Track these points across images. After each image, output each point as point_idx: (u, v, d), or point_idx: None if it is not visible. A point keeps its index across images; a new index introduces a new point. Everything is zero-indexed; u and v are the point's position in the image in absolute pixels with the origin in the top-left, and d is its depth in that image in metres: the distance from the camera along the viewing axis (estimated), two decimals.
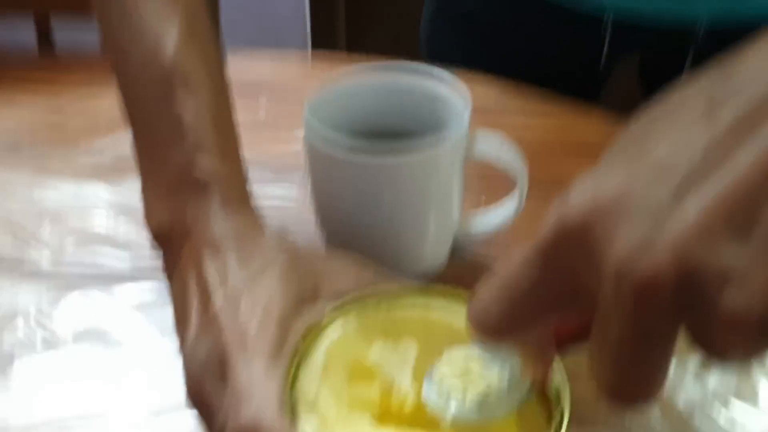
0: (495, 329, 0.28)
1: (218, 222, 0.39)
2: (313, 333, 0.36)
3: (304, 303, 0.37)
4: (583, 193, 0.25)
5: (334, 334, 0.36)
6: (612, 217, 0.24)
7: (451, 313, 0.37)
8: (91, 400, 0.42)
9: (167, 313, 0.46)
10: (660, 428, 0.40)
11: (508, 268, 0.27)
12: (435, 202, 0.45)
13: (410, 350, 0.36)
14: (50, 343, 0.45)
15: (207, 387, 0.35)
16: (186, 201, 0.40)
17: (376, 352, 0.35)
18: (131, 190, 0.56)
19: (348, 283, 0.38)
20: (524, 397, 0.32)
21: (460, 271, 0.50)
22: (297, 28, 1.65)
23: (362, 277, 0.39)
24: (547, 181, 0.55)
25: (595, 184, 0.25)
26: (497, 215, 0.49)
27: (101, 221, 0.54)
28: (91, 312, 0.47)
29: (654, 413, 0.41)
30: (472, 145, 0.45)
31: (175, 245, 0.40)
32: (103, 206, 0.55)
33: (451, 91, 0.47)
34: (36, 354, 0.44)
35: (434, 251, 0.49)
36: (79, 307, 0.47)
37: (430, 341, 0.35)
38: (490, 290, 0.28)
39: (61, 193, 0.56)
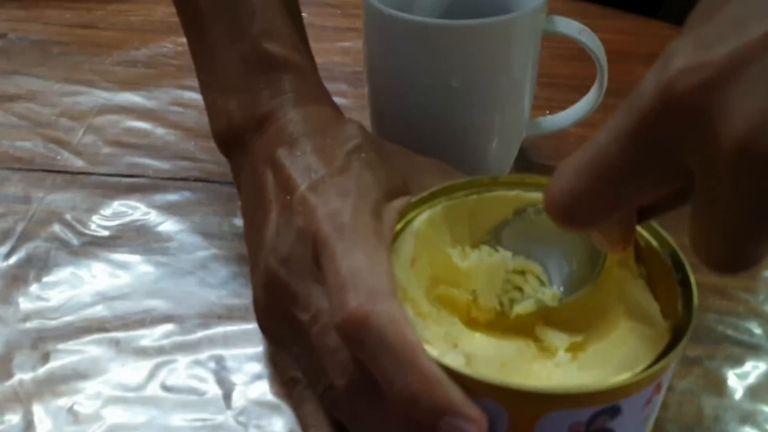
0: (579, 217, 0.24)
1: (294, 113, 0.35)
2: (402, 222, 0.31)
3: (395, 197, 0.32)
4: (687, 60, 0.21)
5: (422, 224, 0.31)
6: (727, 87, 0.20)
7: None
8: (132, 305, 0.38)
9: (208, 218, 0.43)
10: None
11: (596, 146, 0.23)
12: (508, 78, 0.41)
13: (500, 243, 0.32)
14: (88, 248, 0.41)
15: (294, 279, 0.30)
16: (257, 93, 0.36)
17: (465, 245, 0.31)
18: (166, 97, 0.53)
19: (435, 182, 0.33)
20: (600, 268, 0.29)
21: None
22: None
23: (450, 177, 0.34)
24: (618, 89, 0.52)
25: (698, 51, 0.21)
26: (573, 111, 0.45)
27: (136, 127, 0.51)
28: (129, 217, 0.43)
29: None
30: (550, 23, 0.41)
31: (246, 144, 0.36)
32: (138, 112, 0.52)
33: None
34: (74, 257, 0.41)
35: (501, 148, 0.44)
36: (116, 213, 0.44)
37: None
38: (573, 172, 0.24)
39: (95, 98, 0.53)
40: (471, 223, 0.32)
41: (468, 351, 0.27)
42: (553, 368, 0.28)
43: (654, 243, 0.29)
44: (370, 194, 0.31)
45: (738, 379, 0.34)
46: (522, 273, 0.31)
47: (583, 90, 0.45)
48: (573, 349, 0.28)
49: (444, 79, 0.40)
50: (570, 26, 0.42)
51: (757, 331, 0.37)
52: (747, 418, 0.33)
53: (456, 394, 0.24)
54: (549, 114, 0.47)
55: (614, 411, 0.25)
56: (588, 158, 0.23)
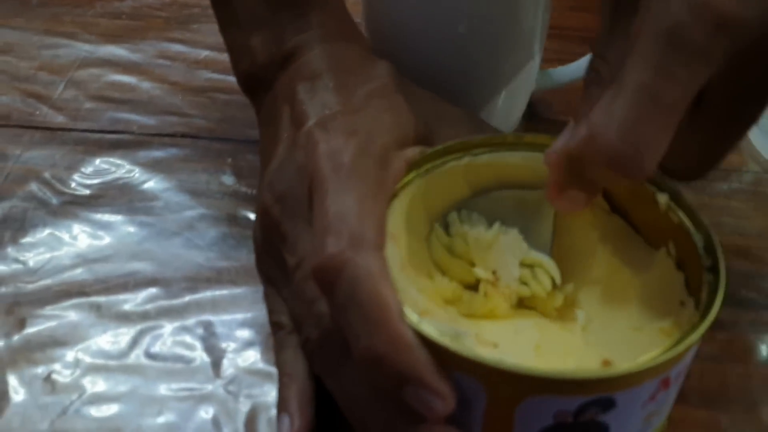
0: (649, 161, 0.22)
1: (320, 49, 0.33)
2: (412, 174, 0.28)
3: (410, 144, 0.29)
4: None
5: (418, 188, 0.28)
6: None
7: None
8: (114, 267, 0.36)
9: (196, 176, 0.41)
10: None
11: (646, 90, 0.22)
12: (516, 26, 0.38)
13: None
14: (68, 207, 0.39)
15: (286, 218, 0.28)
16: (281, 29, 0.34)
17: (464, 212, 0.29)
18: (152, 50, 0.50)
19: (462, 134, 0.30)
20: None
21: (537, 130, 0.44)
22: None
23: (480, 130, 0.32)
24: None
25: None
26: (582, 63, 0.42)
27: (120, 81, 0.48)
28: (112, 175, 0.41)
29: None
30: None
31: (269, 82, 0.33)
32: (122, 66, 0.49)
33: None
34: (52, 217, 0.38)
35: (510, 99, 0.41)
36: (98, 171, 0.41)
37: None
38: (633, 122, 0.22)
39: (77, 51, 0.50)
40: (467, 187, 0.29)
41: (488, 338, 0.25)
42: (561, 340, 0.25)
43: (688, 224, 0.26)
44: (381, 137, 0.28)
45: (764, 345, 0.32)
46: (530, 267, 0.28)
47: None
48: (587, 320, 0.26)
49: (450, 25, 0.37)
50: None
51: None
52: None
53: (425, 364, 0.22)
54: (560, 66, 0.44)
55: (607, 404, 0.22)
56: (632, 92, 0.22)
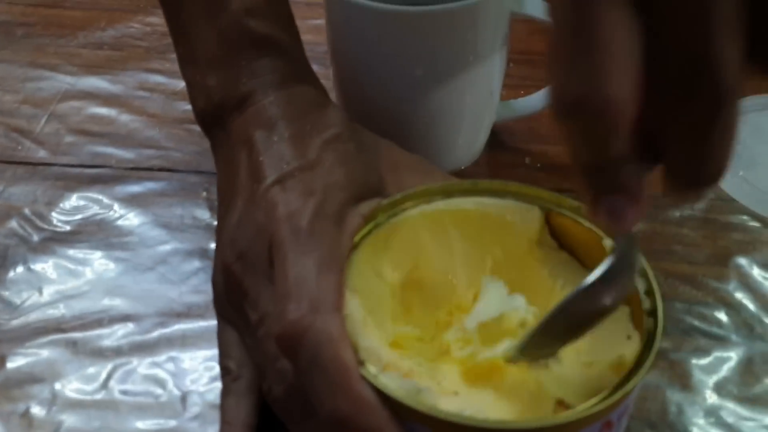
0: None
1: (275, 95, 0.34)
2: (369, 227, 0.30)
3: (365, 197, 0.31)
4: None
5: (383, 235, 0.30)
6: None
7: (519, 213, 0.31)
8: (90, 304, 0.37)
9: (171, 210, 0.42)
10: None
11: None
12: (474, 64, 0.39)
13: (466, 254, 0.31)
14: (47, 244, 0.40)
15: (248, 276, 0.30)
16: (237, 71, 0.35)
17: (433, 259, 0.30)
18: (132, 81, 0.52)
19: (414, 182, 0.32)
20: None
21: (497, 161, 0.45)
22: None
23: (433, 177, 0.33)
24: None
25: None
26: (543, 94, 0.44)
27: (100, 114, 0.49)
28: (90, 211, 0.42)
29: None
30: (519, 5, 0.40)
31: (225, 122, 0.35)
32: (102, 98, 0.50)
33: None
34: (33, 254, 0.40)
35: (470, 133, 0.43)
36: (76, 207, 0.43)
37: (488, 241, 0.31)
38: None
39: (59, 83, 0.52)
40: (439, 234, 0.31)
41: (448, 386, 0.26)
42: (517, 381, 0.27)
43: None
44: (337, 195, 0.30)
45: (704, 373, 0.34)
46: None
47: None
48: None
49: (408, 66, 0.39)
50: (537, 7, 0.40)
51: (726, 320, 0.36)
52: (712, 413, 0.32)
53: (387, 422, 0.24)
54: (524, 94, 0.46)
55: None
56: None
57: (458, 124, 0.42)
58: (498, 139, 0.46)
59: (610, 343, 0.27)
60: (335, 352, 0.24)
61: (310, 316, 0.25)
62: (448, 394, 0.26)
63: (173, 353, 0.35)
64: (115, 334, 0.36)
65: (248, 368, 0.31)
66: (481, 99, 0.42)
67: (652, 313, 0.27)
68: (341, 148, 0.32)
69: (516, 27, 0.42)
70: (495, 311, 0.28)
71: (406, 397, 0.24)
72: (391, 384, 0.24)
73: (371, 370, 0.25)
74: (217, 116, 0.35)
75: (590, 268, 0.29)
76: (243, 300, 0.30)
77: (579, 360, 0.27)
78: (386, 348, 0.27)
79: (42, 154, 0.46)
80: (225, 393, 0.31)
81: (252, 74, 0.34)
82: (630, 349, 0.26)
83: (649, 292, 0.27)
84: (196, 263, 0.39)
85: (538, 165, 0.45)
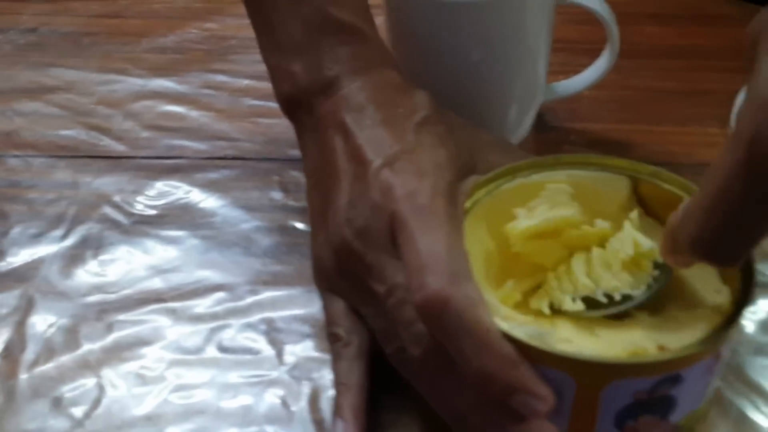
0: (729, 253, 0.25)
1: (361, 80, 0.36)
2: (470, 201, 0.32)
3: (464, 175, 0.33)
4: None
5: (486, 208, 0.33)
6: None
7: (609, 183, 0.33)
8: (184, 276, 0.41)
9: (248, 193, 0.46)
10: None
11: (716, 187, 0.23)
12: (524, 49, 0.43)
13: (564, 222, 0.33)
14: (138, 226, 0.44)
15: (370, 251, 0.32)
16: (321, 56, 0.37)
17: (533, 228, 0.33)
18: (197, 81, 0.56)
19: (501, 160, 0.34)
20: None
21: (544, 139, 0.49)
22: None
23: (515, 155, 0.36)
24: (629, 50, 0.54)
25: None
26: (587, 75, 0.47)
27: (171, 111, 0.53)
28: (173, 196, 0.46)
29: None
30: None
31: (312, 106, 0.37)
32: (172, 97, 0.54)
33: None
34: (126, 236, 0.44)
35: (519, 114, 0.47)
36: (160, 193, 0.47)
37: (583, 210, 0.33)
38: (703, 215, 0.24)
39: (130, 85, 0.56)
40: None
41: (561, 336, 0.29)
42: (622, 331, 0.29)
43: None
44: (445, 175, 0.32)
45: (750, 315, 0.37)
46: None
47: (596, 53, 0.47)
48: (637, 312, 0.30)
49: (464, 53, 0.42)
50: None
51: None
52: (761, 349, 0.35)
53: (527, 374, 0.27)
54: (564, 79, 0.49)
55: (676, 379, 0.27)
56: (712, 199, 0.24)
57: (509, 105, 0.45)
58: (543, 120, 0.50)
59: (701, 297, 0.30)
60: (478, 316, 0.27)
61: (451, 286, 0.28)
62: (564, 342, 0.29)
63: (265, 315, 0.39)
64: (210, 302, 0.40)
65: (357, 335, 0.34)
66: (529, 81, 0.45)
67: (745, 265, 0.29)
68: (434, 131, 0.35)
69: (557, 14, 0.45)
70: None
71: (540, 344, 0.27)
72: (522, 334, 0.27)
73: (501, 324, 0.28)
74: (303, 101, 0.38)
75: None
76: (366, 274, 0.32)
77: (673, 313, 0.30)
78: (501, 304, 0.30)
79: (122, 148, 0.50)
80: (336, 358, 0.34)
81: (336, 60, 0.37)
82: (720, 300, 0.29)
83: None
84: (276, 237, 0.43)
85: (583, 141, 0.48)
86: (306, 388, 0.36)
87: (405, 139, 0.34)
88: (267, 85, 0.50)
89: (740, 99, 0.49)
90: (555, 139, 0.49)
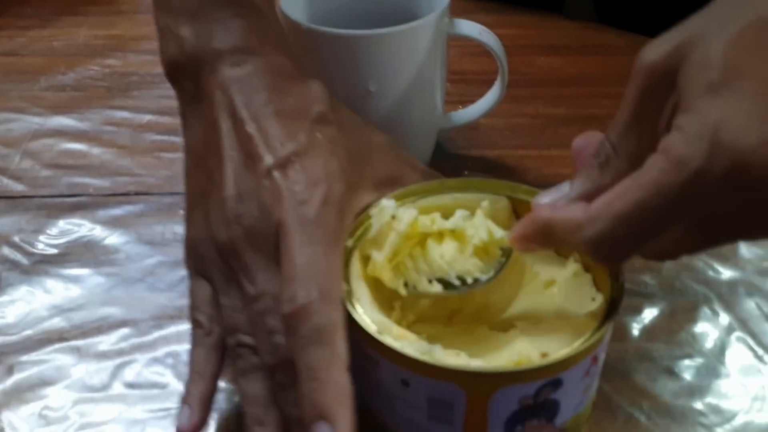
0: (619, 256, 0.28)
1: (254, 61, 0.35)
2: (359, 227, 0.34)
3: (354, 185, 0.34)
4: (754, 140, 0.24)
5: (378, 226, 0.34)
6: None
7: (490, 204, 0.35)
8: (87, 314, 0.41)
9: (151, 228, 0.46)
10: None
11: (634, 203, 0.26)
12: (419, 79, 0.45)
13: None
14: (39, 266, 0.44)
15: (250, 251, 0.32)
16: (213, 25, 0.35)
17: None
18: (98, 118, 0.55)
19: (391, 167, 0.36)
20: None
21: (443, 166, 0.51)
22: None
23: (404, 160, 0.38)
24: (521, 80, 0.57)
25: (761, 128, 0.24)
26: (481, 104, 0.49)
27: (72, 149, 0.53)
28: (76, 234, 0.46)
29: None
30: (452, 26, 0.45)
31: (198, 76, 0.36)
32: (72, 134, 0.54)
33: None
34: (26, 276, 0.43)
35: (419, 142, 0.49)
36: (62, 231, 0.46)
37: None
38: (612, 222, 0.26)
39: (27, 124, 0.55)
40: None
41: (451, 348, 0.30)
42: (508, 343, 0.32)
43: None
44: (335, 186, 0.33)
45: (635, 324, 0.40)
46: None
47: (491, 84, 0.49)
48: (521, 323, 0.33)
49: (362, 83, 0.44)
50: (471, 28, 0.46)
51: (651, 282, 0.42)
52: (644, 355, 0.38)
53: (345, 416, 0.28)
54: (461, 108, 0.51)
55: (557, 383, 0.29)
56: (628, 212, 0.26)
57: (408, 134, 0.47)
58: (442, 147, 0.52)
59: (578, 304, 0.32)
60: (333, 338, 0.29)
61: (317, 303, 0.29)
62: (453, 354, 0.30)
63: (171, 349, 0.39)
64: (115, 338, 0.39)
65: (218, 325, 0.34)
66: (426, 111, 0.47)
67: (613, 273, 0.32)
68: (328, 133, 0.35)
69: (449, 50, 0.47)
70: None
71: (430, 359, 0.28)
72: (413, 351, 0.29)
73: (392, 342, 0.29)
74: (188, 68, 0.36)
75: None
76: (241, 271, 0.33)
77: (554, 321, 0.32)
78: (395, 324, 0.31)
79: (21, 188, 0.49)
80: (195, 345, 0.34)
81: (228, 32, 0.35)
82: (596, 306, 0.32)
83: None
84: (181, 271, 0.43)
85: (480, 167, 0.51)
86: (212, 420, 0.36)
87: (298, 138, 0.34)
88: (169, 120, 0.50)
89: None
90: (454, 166, 0.51)
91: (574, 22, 0.67)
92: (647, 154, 0.26)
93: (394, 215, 0.33)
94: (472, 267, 0.32)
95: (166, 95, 0.58)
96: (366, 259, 0.34)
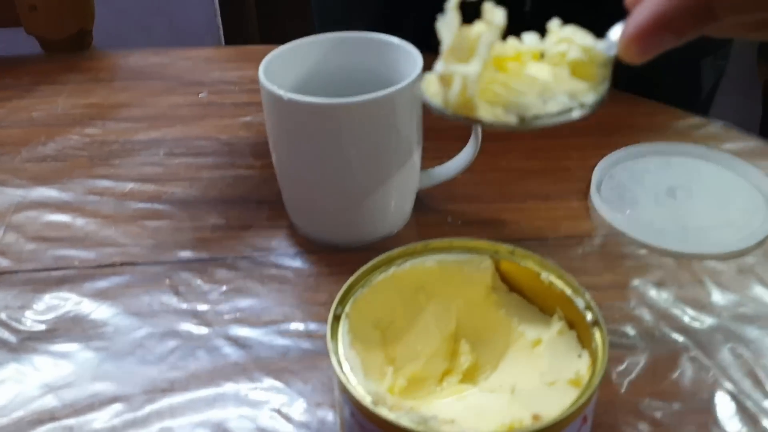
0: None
1: None
2: (350, 293, 0.35)
3: None
4: None
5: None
6: None
7: (474, 264, 0.37)
8: (79, 391, 0.41)
9: (138, 299, 0.46)
10: None
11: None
12: (397, 142, 0.46)
13: (434, 309, 0.36)
14: (27, 343, 0.44)
15: None
16: None
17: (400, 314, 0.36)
18: (81, 188, 0.56)
19: None
20: None
21: (424, 222, 0.52)
22: (209, 26, 1.66)
23: None
24: (491, 135, 0.58)
25: None
26: (457, 161, 0.51)
27: (56, 221, 0.53)
28: (63, 309, 0.46)
29: None
30: None
31: None
32: (55, 206, 0.54)
33: (402, 45, 0.48)
34: (14, 354, 0.43)
35: (400, 201, 0.50)
36: (49, 307, 0.46)
37: (451, 293, 0.37)
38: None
39: (10, 196, 0.55)
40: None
41: (444, 416, 0.31)
42: (499, 405, 0.32)
43: (568, 291, 0.35)
44: None
45: (620, 376, 0.40)
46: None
47: (466, 138, 0.51)
48: (510, 384, 0.33)
49: (343, 149, 0.45)
50: None
51: (632, 333, 0.43)
52: (632, 409, 0.39)
53: None
54: (438, 163, 0.52)
55: None
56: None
57: (388, 194, 0.48)
58: (423, 203, 0.53)
59: (565, 362, 0.33)
60: None
61: None
62: (447, 423, 0.31)
63: (164, 424, 0.39)
64: (108, 415, 0.40)
65: None
66: (405, 171, 0.49)
67: (596, 323, 0.33)
68: None
69: (425, 108, 0.49)
70: None
71: (423, 428, 0.29)
72: (407, 421, 0.29)
73: (387, 413, 0.30)
74: None
75: (534, 304, 0.36)
76: None
77: (543, 381, 0.33)
78: (388, 394, 0.32)
79: (6, 263, 0.50)
80: None
81: None
82: (582, 363, 0.33)
83: (588, 307, 0.34)
84: (170, 342, 0.43)
85: (459, 222, 0.52)
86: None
87: None
88: (152, 187, 0.50)
89: (598, 171, 0.54)
90: (434, 220, 0.52)
91: None
92: None
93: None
94: (576, 87, 0.30)
95: (148, 162, 0.59)
96: (366, 310, 0.34)
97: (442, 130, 0.59)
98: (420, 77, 0.46)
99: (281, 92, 0.44)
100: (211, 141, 0.61)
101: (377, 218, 0.49)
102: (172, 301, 0.46)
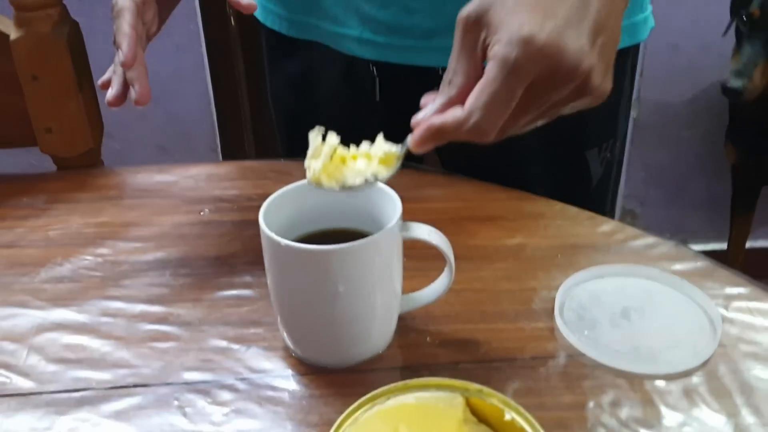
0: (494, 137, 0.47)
1: None
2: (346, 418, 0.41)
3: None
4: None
5: None
6: None
7: (448, 400, 0.43)
8: None
9: (151, 420, 0.52)
10: None
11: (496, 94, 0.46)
12: (382, 276, 0.53)
13: None
14: None
15: None
16: None
17: None
18: (95, 310, 0.62)
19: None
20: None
21: (406, 342, 0.58)
22: (206, 136, 1.76)
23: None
24: (465, 253, 0.64)
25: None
26: (433, 289, 0.57)
27: (74, 342, 0.59)
28: (83, 431, 0.51)
29: None
30: (407, 230, 0.54)
31: None
32: (73, 327, 0.60)
33: (384, 189, 0.55)
34: None
35: (383, 326, 0.56)
36: (71, 429, 0.51)
37: (429, 426, 0.42)
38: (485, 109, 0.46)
39: (32, 318, 0.61)
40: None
41: None
42: None
43: (527, 427, 0.41)
44: None
45: None
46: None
47: (442, 257, 0.56)
48: None
49: (332, 286, 0.51)
50: (421, 230, 0.54)
51: None
52: None
53: None
54: (417, 282, 0.58)
55: None
56: (491, 100, 0.46)
57: (373, 320, 0.55)
58: (404, 324, 0.59)
59: None
60: None
61: None
62: None
63: None
64: None
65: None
66: (388, 299, 0.55)
67: None
68: None
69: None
70: None
71: None
72: None
73: None
74: None
75: None
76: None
77: None
78: None
79: (30, 385, 0.55)
80: None
81: None
82: None
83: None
84: None
85: (437, 342, 0.58)
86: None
87: None
88: (159, 309, 0.56)
89: (560, 293, 0.60)
90: (415, 341, 0.58)
91: (510, 192, 0.75)
92: (471, 72, 0.48)
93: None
94: (378, 170, 0.51)
95: (155, 283, 0.65)
96: None
97: (422, 249, 0.65)
98: (400, 220, 0.53)
99: (278, 239, 0.50)
100: (212, 261, 0.67)
101: (363, 340, 0.55)
102: (181, 422, 0.52)
